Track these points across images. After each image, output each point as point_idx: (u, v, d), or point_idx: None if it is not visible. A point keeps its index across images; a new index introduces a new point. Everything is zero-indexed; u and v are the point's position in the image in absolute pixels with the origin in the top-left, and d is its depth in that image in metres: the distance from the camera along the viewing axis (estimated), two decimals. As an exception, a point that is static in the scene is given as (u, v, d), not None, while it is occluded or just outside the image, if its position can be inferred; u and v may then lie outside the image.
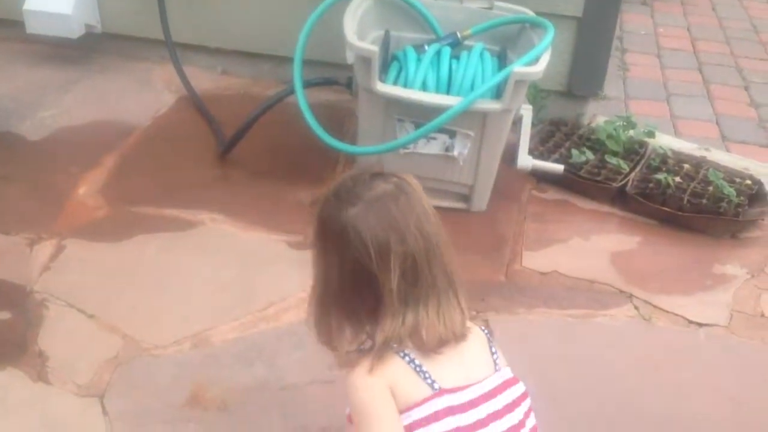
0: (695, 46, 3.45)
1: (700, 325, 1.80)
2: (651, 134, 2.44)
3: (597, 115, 2.60)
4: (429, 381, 1.02)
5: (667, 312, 1.83)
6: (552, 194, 2.25)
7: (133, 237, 1.93)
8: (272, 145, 2.29)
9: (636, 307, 1.84)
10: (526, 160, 2.15)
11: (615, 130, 2.38)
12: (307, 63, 2.12)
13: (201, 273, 1.83)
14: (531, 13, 2.22)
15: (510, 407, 1.05)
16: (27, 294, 1.73)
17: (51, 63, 2.59)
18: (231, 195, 2.11)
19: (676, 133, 2.66)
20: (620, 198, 2.21)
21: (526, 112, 2.33)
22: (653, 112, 2.79)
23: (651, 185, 2.20)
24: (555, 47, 2.04)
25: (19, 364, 1.56)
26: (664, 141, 2.48)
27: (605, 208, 2.21)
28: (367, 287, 1.02)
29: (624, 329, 1.78)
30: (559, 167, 2.18)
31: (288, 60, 2.36)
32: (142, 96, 2.51)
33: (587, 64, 2.52)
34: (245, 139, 2.21)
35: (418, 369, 1.02)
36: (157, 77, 2.60)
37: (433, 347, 1.03)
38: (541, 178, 2.27)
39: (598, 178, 2.23)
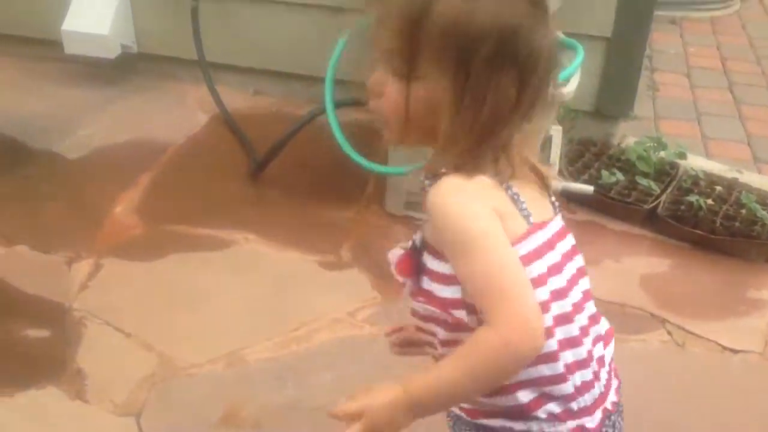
0: (725, 65, 3.43)
1: (735, 351, 1.79)
2: (682, 155, 2.43)
3: (627, 136, 2.60)
4: (525, 213, 0.87)
5: (701, 337, 1.82)
6: (582, 215, 2.25)
7: (169, 256, 1.96)
8: (304, 165, 2.32)
9: (669, 332, 1.83)
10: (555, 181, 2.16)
11: (645, 151, 2.38)
12: (338, 83, 2.15)
13: (235, 292, 1.86)
14: (560, 35, 2.23)
15: (572, 252, 0.93)
16: (66, 312, 1.77)
17: (88, 82, 2.65)
18: (264, 214, 2.14)
19: (708, 154, 2.64)
20: (651, 220, 2.20)
21: (556, 132, 2.33)
22: (684, 133, 2.78)
23: (683, 207, 2.19)
24: (584, 67, 2.05)
25: (58, 383, 1.59)
26: (696, 162, 2.47)
27: (636, 230, 2.20)
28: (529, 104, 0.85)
29: (657, 355, 1.77)
30: (589, 188, 2.18)
31: (319, 79, 2.39)
32: (176, 115, 2.55)
33: (617, 84, 2.52)
34: (277, 159, 2.24)
35: (515, 198, 0.87)
36: (190, 97, 2.65)
37: (524, 174, 0.89)
38: (570, 198, 2.27)
39: (629, 200, 2.22)
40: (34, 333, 1.71)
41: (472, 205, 0.83)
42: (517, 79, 0.83)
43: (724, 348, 1.79)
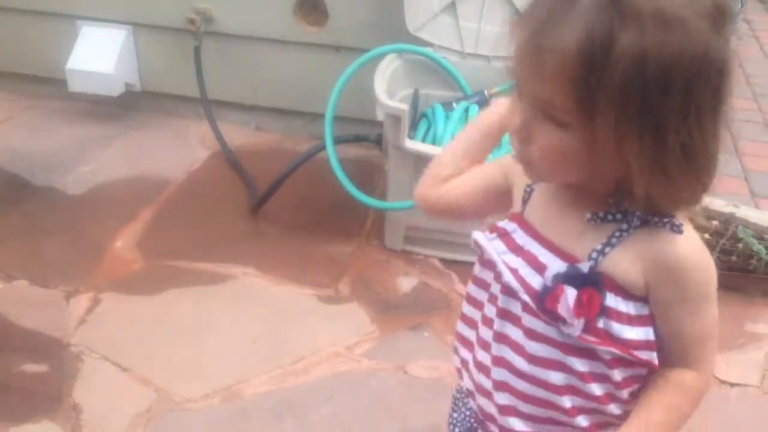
0: (722, 101, 3.46)
1: (732, 384, 1.78)
2: (679, 190, 2.44)
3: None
4: None
5: (699, 371, 1.81)
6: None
7: (168, 290, 1.97)
8: (303, 200, 2.34)
9: (667, 366, 1.82)
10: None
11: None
12: (337, 119, 2.18)
13: (233, 326, 1.86)
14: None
15: None
16: (63, 347, 1.76)
17: (91, 120, 2.69)
18: (263, 249, 2.15)
19: (705, 189, 2.65)
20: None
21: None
22: (681, 168, 2.79)
23: (680, 241, 2.19)
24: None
25: (55, 417, 1.58)
26: (693, 197, 2.48)
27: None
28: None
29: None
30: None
31: (319, 116, 2.43)
32: (177, 151, 2.58)
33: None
34: (277, 194, 2.26)
35: None
36: (192, 133, 2.68)
37: None
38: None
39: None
40: (31, 367, 1.71)
41: (711, 259, 0.85)
42: (712, 111, 0.76)
43: (722, 381, 1.78)
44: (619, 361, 0.85)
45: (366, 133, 2.33)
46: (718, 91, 0.75)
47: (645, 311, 0.84)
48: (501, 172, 0.96)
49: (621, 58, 0.70)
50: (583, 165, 0.76)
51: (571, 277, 0.82)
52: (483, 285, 0.94)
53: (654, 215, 0.80)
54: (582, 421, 0.89)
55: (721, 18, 0.74)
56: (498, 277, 0.90)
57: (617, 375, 0.86)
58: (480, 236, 0.91)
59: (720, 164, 0.80)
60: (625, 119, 0.72)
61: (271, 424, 1.61)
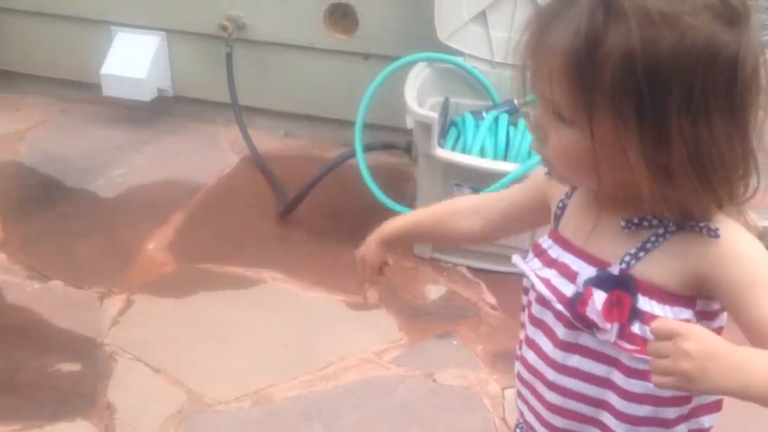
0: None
1: None
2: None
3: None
4: None
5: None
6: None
7: (198, 293, 1.99)
8: (331, 206, 2.36)
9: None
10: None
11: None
12: (366, 126, 2.20)
13: (262, 330, 1.88)
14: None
15: None
16: (97, 346, 1.80)
17: (124, 124, 2.73)
18: (292, 254, 2.17)
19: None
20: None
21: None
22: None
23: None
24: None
25: (89, 416, 1.61)
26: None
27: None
28: None
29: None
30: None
31: (347, 123, 2.45)
32: (208, 156, 2.61)
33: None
34: (306, 200, 2.28)
35: None
36: (222, 138, 2.71)
37: None
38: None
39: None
40: (66, 366, 1.74)
41: (759, 247, 0.79)
42: (729, 112, 0.72)
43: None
44: None
45: (393, 140, 2.34)
46: (731, 89, 0.72)
47: (684, 316, 0.80)
48: (536, 188, 0.97)
49: (609, 55, 0.70)
50: (593, 165, 0.75)
51: (602, 280, 0.82)
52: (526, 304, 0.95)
53: (689, 220, 0.78)
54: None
55: (729, 11, 0.71)
56: (534, 294, 0.90)
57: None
58: (518, 259, 0.92)
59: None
60: (622, 117, 0.71)
61: (300, 427, 1.62)
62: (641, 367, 0.81)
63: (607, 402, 0.86)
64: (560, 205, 0.91)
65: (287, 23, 2.58)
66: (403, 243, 1.11)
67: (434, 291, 2.05)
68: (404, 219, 1.11)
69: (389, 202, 2.09)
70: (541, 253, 0.90)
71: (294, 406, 1.67)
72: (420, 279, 2.09)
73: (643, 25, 0.69)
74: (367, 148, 2.19)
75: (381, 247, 1.08)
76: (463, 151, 2.08)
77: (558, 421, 0.90)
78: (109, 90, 2.67)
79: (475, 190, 2.01)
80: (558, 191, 0.91)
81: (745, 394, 0.70)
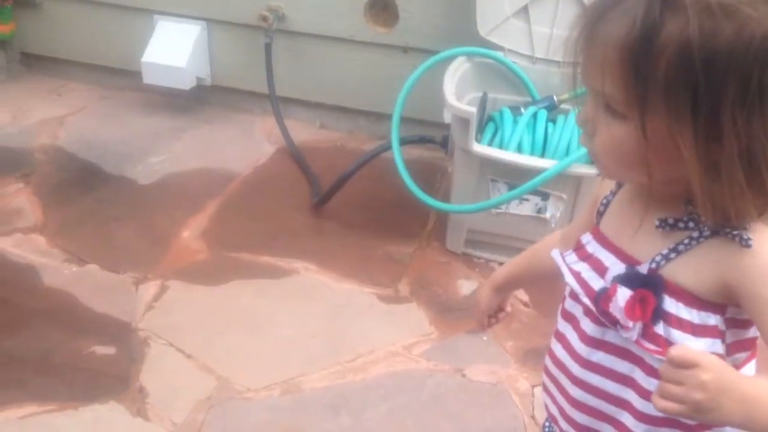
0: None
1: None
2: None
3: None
4: None
5: None
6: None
7: (231, 281, 2.01)
8: (365, 199, 2.36)
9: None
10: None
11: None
12: (402, 120, 2.19)
13: (293, 320, 1.89)
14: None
15: None
16: (132, 331, 1.82)
17: (163, 112, 2.76)
18: (324, 245, 2.17)
19: None
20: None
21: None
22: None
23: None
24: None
25: (121, 399, 1.64)
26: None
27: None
28: None
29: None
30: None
31: (384, 116, 2.44)
32: (244, 146, 2.63)
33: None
34: (340, 192, 2.28)
35: None
36: (258, 128, 2.73)
37: None
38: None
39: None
40: (101, 350, 1.77)
41: None
42: None
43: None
44: None
45: (429, 134, 2.33)
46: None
47: (711, 322, 0.79)
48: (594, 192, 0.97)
49: (666, 47, 0.68)
50: (643, 160, 0.73)
51: (629, 278, 0.81)
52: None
53: (725, 226, 0.76)
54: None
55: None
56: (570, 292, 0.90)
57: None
58: (555, 252, 0.92)
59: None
60: (676, 111, 0.69)
61: (327, 418, 1.63)
62: None
63: (627, 401, 0.86)
64: (604, 201, 0.90)
65: (327, 15, 2.58)
66: (511, 287, 1.14)
67: (466, 286, 2.04)
68: (509, 263, 1.13)
69: (423, 196, 2.08)
70: (579, 248, 0.90)
71: (322, 396, 1.67)
72: (452, 274, 2.08)
73: (701, 16, 0.67)
74: (403, 141, 2.18)
75: (493, 293, 1.12)
76: (501, 146, 2.06)
77: (579, 417, 0.90)
78: (149, 78, 2.70)
79: (511, 186, 1.99)
80: (604, 189, 0.91)
81: (746, 426, 0.72)
